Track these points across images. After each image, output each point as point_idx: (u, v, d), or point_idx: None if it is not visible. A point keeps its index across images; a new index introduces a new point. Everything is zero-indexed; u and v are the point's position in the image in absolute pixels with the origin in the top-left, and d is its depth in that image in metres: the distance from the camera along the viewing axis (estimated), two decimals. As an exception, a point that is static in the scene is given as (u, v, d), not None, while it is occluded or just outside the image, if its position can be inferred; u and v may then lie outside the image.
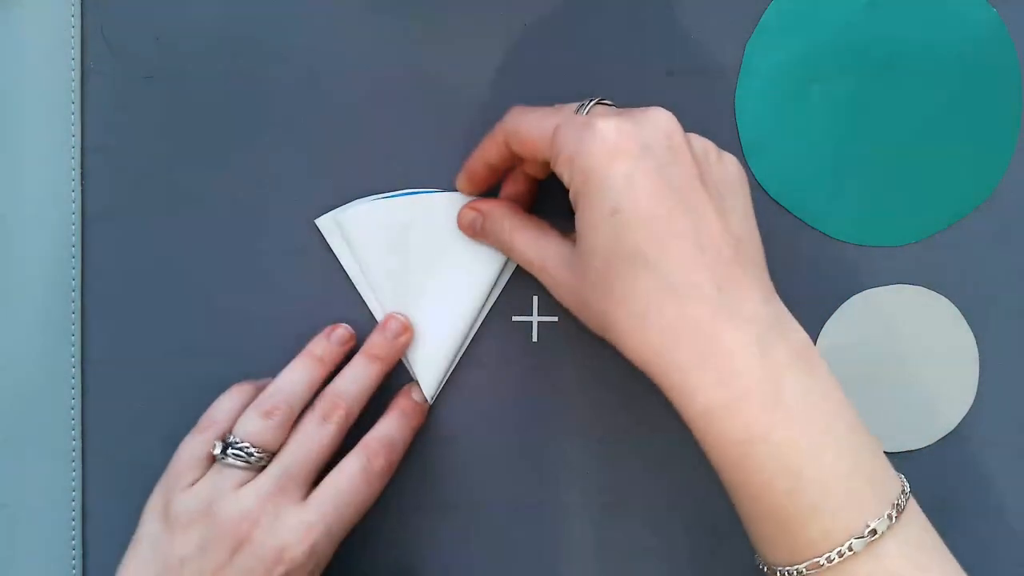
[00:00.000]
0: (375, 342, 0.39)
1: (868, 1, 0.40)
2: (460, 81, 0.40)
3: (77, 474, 0.40)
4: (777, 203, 0.40)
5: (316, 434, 0.36)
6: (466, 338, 0.40)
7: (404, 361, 0.40)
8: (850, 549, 0.29)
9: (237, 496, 0.34)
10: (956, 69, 0.40)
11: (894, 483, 0.31)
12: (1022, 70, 0.40)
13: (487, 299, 0.40)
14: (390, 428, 0.38)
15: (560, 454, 0.40)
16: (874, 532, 0.29)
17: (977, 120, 0.40)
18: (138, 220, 0.40)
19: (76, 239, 0.40)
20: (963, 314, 0.41)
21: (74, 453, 0.40)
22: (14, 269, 0.40)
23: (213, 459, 0.35)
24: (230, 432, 0.36)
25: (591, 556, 0.40)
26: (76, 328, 0.40)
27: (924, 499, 0.40)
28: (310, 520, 0.34)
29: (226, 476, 0.35)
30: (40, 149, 0.40)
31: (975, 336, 0.41)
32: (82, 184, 0.40)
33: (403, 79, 0.40)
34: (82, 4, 0.40)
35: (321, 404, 0.36)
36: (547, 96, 0.40)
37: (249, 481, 0.34)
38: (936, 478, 0.40)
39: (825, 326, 0.40)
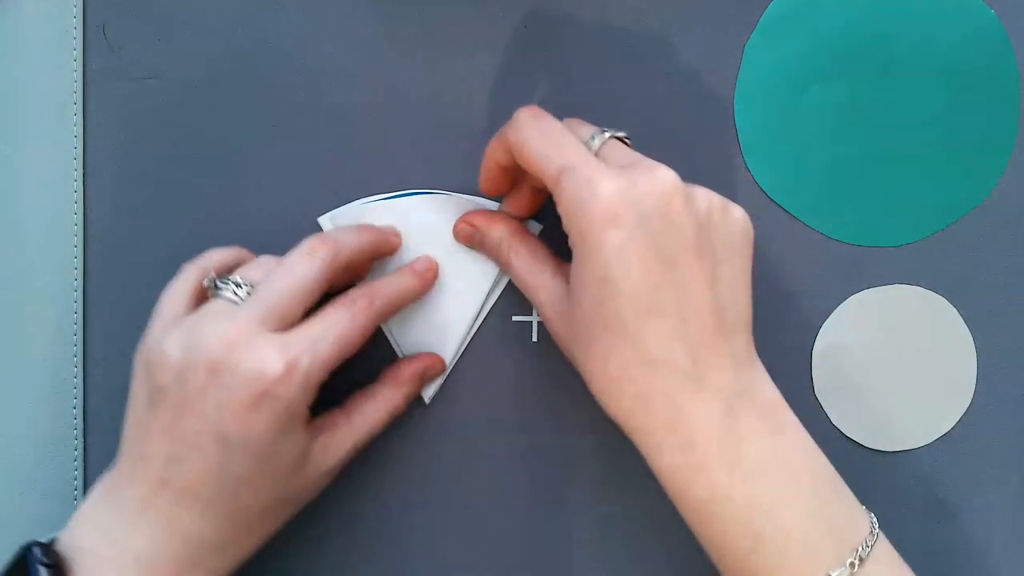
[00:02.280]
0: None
1: (867, 2, 0.40)
2: (460, 83, 0.40)
3: (79, 474, 0.40)
4: (775, 203, 0.41)
5: (300, 267, 0.34)
6: (465, 338, 0.40)
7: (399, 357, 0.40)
8: None
9: (216, 323, 0.33)
10: (954, 70, 0.40)
11: (860, 528, 0.32)
12: (1020, 71, 0.40)
13: (487, 300, 0.40)
14: (377, 282, 0.37)
15: (560, 454, 0.40)
16: None
17: (975, 121, 0.40)
18: (140, 220, 0.40)
19: (78, 239, 0.40)
20: (961, 314, 0.41)
21: (76, 452, 0.40)
22: (16, 269, 0.40)
23: (201, 298, 0.35)
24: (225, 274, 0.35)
25: (591, 555, 0.41)
26: (78, 328, 0.40)
27: (920, 498, 0.41)
28: (290, 342, 0.32)
29: (211, 308, 0.34)
30: (42, 149, 0.40)
31: (973, 336, 0.41)
32: (84, 184, 0.40)
33: (403, 80, 0.40)
34: (84, 4, 0.40)
35: (309, 240, 0.35)
36: (547, 98, 0.40)
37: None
38: (933, 477, 0.41)
39: (823, 326, 0.41)
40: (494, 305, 0.40)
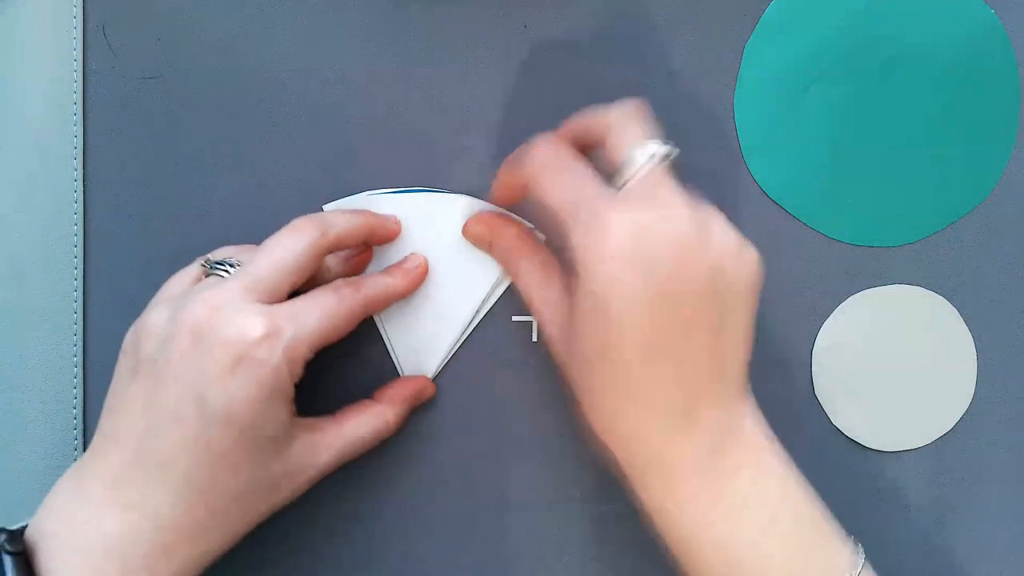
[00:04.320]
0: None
1: (867, 2, 0.40)
2: (460, 83, 0.40)
3: (79, 473, 0.40)
4: (776, 203, 0.41)
5: (286, 241, 0.34)
6: (460, 338, 0.40)
7: (392, 357, 0.40)
8: None
9: (202, 292, 0.33)
10: (954, 70, 0.40)
11: (844, 564, 0.32)
12: (1020, 71, 0.40)
13: (484, 303, 0.40)
14: (365, 276, 0.38)
15: (559, 454, 0.40)
16: None
17: (975, 121, 0.41)
18: (139, 220, 0.40)
19: (78, 239, 0.40)
20: (961, 314, 0.41)
21: (76, 453, 0.40)
22: (15, 269, 0.40)
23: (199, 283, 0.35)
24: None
25: (590, 554, 0.41)
26: (78, 328, 0.40)
27: (920, 498, 0.41)
28: (274, 311, 0.32)
29: (201, 284, 0.34)
30: (41, 149, 0.40)
31: (973, 336, 0.41)
32: (83, 184, 0.40)
33: (404, 80, 0.40)
34: (84, 4, 0.40)
35: (298, 218, 0.35)
36: (547, 98, 0.40)
37: None
38: (933, 478, 0.41)
39: (823, 326, 0.41)
40: (494, 305, 0.40)
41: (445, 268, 0.40)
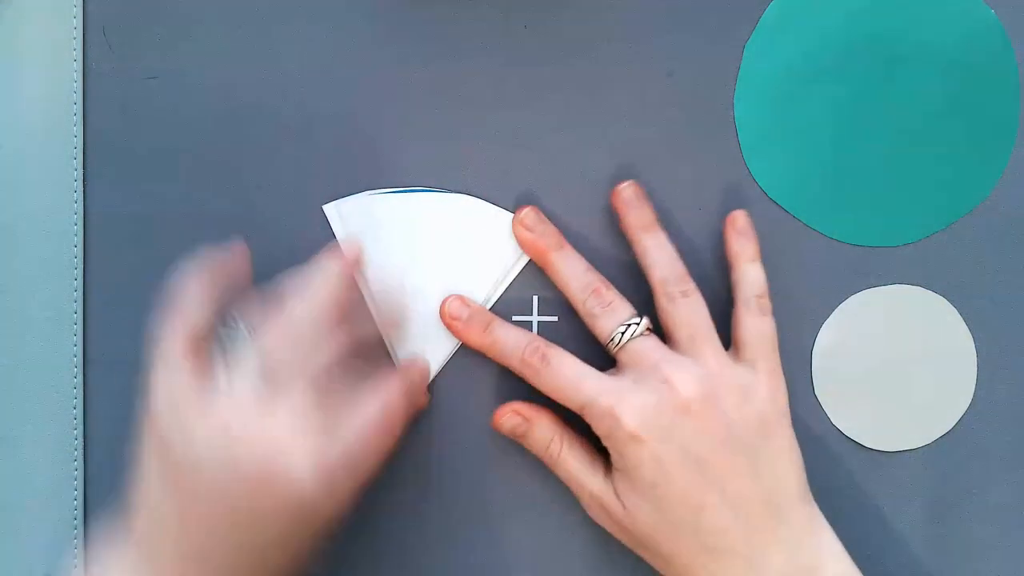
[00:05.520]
0: None
1: (868, 1, 0.40)
2: (461, 83, 0.40)
3: (79, 474, 0.40)
4: (776, 204, 0.41)
5: (318, 350, 0.34)
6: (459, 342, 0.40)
7: (393, 358, 0.40)
8: None
9: (248, 426, 0.32)
10: (954, 70, 0.40)
11: None
12: (1020, 71, 0.40)
13: (486, 302, 0.40)
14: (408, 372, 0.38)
15: (560, 453, 0.40)
16: None
17: (975, 121, 0.41)
18: (139, 220, 0.40)
19: (78, 239, 0.40)
20: (960, 314, 0.41)
21: (75, 452, 0.40)
22: (15, 269, 0.40)
23: (198, 346, 0.33)
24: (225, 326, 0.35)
25: (591, 555, 0.41)
26: (78, 328, 0.40)
27: (920, 498, 0.41)
28: (326, 458, 0.32)
29: (238, 395, 0.32)
30: (41, 149, 0.40)
31: (973, 336, 0.41)
32: (84, 184, 0.40)
33: (404, 80, 0.40)
34: (84, 4, 0.40)
35: (320, 321, 0.35)
36: (547, 99, 0.40)
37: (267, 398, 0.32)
38: (933, 478, 0.41)
39: (823, 326, 0.41)
40: (494, 305, 0.40)
41: (445, 269, 0.40)
